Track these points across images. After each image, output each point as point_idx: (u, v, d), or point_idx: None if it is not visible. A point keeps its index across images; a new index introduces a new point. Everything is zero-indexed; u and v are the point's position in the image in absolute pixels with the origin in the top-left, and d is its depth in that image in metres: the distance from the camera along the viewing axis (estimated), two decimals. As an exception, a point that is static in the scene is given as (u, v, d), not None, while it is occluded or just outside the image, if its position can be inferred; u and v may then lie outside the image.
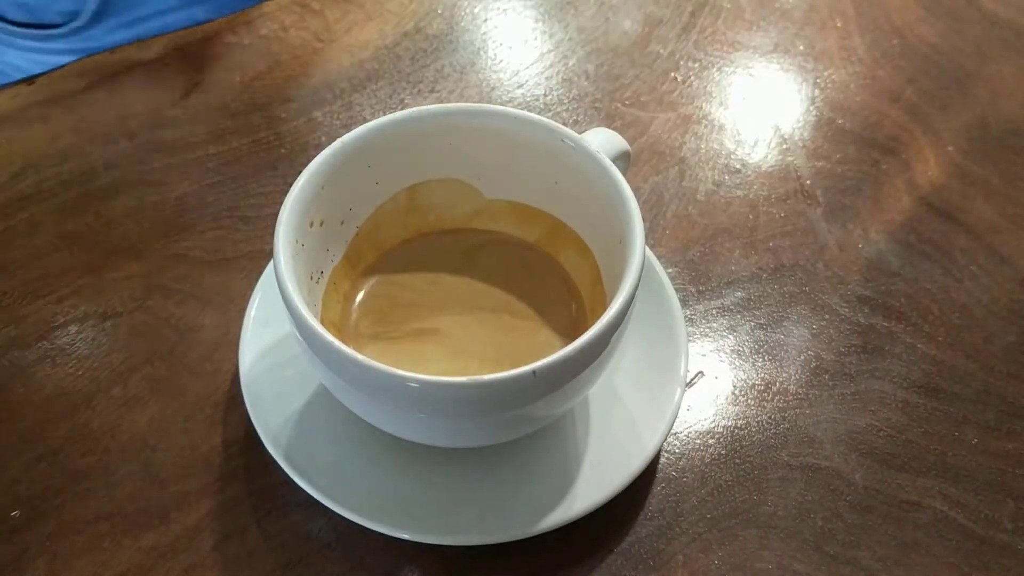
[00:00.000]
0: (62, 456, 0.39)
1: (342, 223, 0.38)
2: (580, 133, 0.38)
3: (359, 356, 0.31)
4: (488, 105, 0.39)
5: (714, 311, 0.44)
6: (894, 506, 0.39)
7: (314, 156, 0.48)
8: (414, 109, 0.38)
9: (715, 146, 0.51)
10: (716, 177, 0.49)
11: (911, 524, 0.38)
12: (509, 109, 0.38)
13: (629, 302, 0.33)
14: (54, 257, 0.44)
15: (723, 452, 0.40)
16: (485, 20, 0.56)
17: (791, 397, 0.42)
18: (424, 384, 0.31)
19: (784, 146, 0.51)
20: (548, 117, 0.39)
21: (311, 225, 0.36)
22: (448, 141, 0.39)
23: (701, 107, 0.52)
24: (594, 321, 0.37)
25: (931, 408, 0.42)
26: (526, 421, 0.35)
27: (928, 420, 0.41)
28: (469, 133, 0.39)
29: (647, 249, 0.38)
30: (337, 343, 0.31)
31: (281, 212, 0.34)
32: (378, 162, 0.38)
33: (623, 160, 0.39)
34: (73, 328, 0.42)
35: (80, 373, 0.41)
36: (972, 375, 0.43)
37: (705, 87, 0.54)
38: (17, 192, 0.47)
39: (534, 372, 0.31)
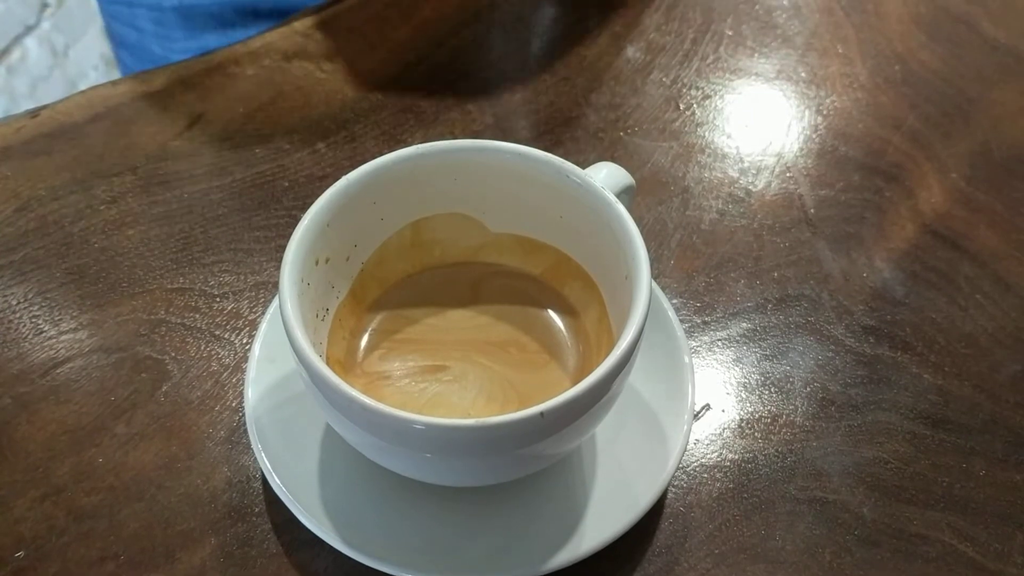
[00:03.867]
0: (67, 495, 0.38)
1: (347, 260, 0.38)
2: (584, 166, 0.39)
3: (366, 399, 0.31)
4: (492, 141, 0.39)
5: (720, 342, 0.44)
6: (903, 540, 0.39)
7: (318, 188, 0.49)
8: (418, 146, 0.38)
9: (718, 175, 0.51)
10: (720, 206, 0.49)
11: (920, 558, 0.38)
12: (513, 145, 0.38)
13: (636, 340, 0.33)
14: (58, 292, 0.44)
15: (731, 486, 0.40)
16: (488, 51, 0.56)
17: (798, 429, 0.42)
18: (430, 427, 0.31)
19: (788, 174, 0.51)
20: (550, 147, 0.39)
21: (316, 263, 0.36)
22: (452, 177, 0.39)
23: (704, 135, 0.53)
24: (599, 355, 0.38)
25: (938, 439, 0.42)
26: (533, 460, 0.34)
27: (936, 452, 0.41)
28: (473, 169, 0.39)
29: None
30: (344, 386, 0.31)
31: (286, 252, 0.34)
32: (383, 198, 0.38)
33: (627, 194, 0.39)
34: (77, 364, 0.42)
35: (84, 410, 0.41)
36: (979, 405, 0.43)
37: (707, 115, 0.54)
38: (21, 226, 0.46)
39: (542, 414, 0.31)
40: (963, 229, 0.49)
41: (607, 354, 0.33)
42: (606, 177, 0.38)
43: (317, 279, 0.36)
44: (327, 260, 0.37)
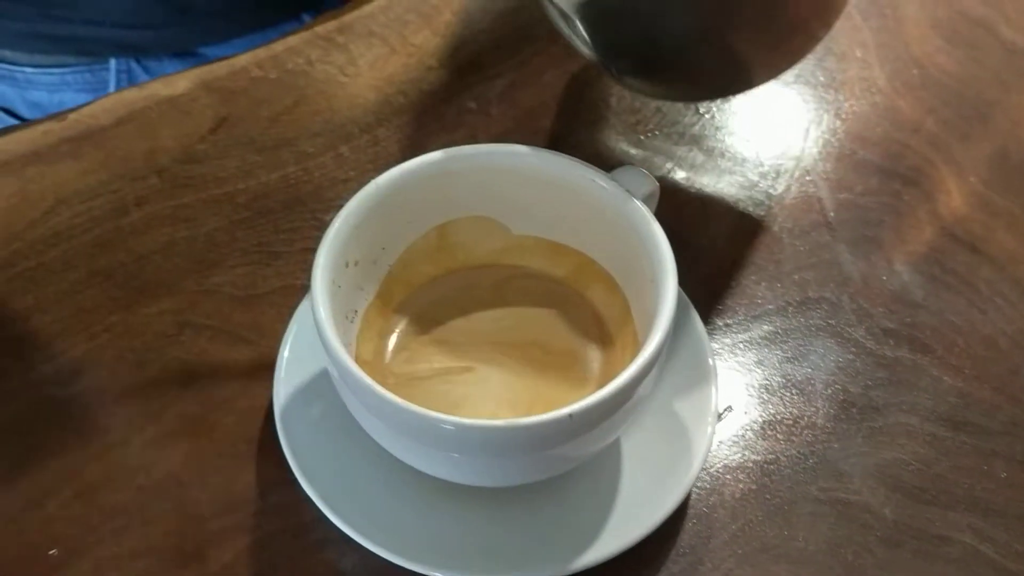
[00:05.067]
0: (98, 494, 0.39)
1: (375, 262, 0.39)
2: (606, 169, 0.39)
3: (399, 400, 0.31)
4: (517, 145, 0.39)
5: (741, 345, 0.44)
6: (924, 540, 0.39)
7: (341, 191, 0.49)
8: (445, 150, 0.39)
9: (738, 178, 0.51)
10: (740, 210, 0.50)
11: (942, 559, 0.39)
12: (539, 149, 0.39)
13: (663, 344, 0.33)
14: (86, 294, 0.45)
15: (753, 487, 0.40)
16: (509, 55, 0.56)
17: (819, 431, 0.42)
18: (459, 427, 0.32)
19: (807, 178, 0.51)
20: (571, 151, 0.40)
21: (347, 265, 0.36)
22: (478, 180, 0.40)
23: (723, 139, 0.53)
24: (624, 358, 0.38)
25: (959, 441, 0.42)
26: (559, 462, 0.35)
27: (956, 453, 0.42)
28: (498, 172, 0.40)
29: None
30: (377, 387, 0.31)
31: (318, 254, 0.35)
32: (410, 202, 0.39)
33: (652, 198, 0.40)
34: (106, 365, 0.43)
35: (114, 410, 0.41)
36: (999, 408, 0.43)
37: (727, 119, 0.54)
38: (49, 228, 0.47)
39: (570, 415, 0.31)
40: (982, 232, 0.50)
41: (632, 356, 0.34)
42: (630, 181, 0.39)
43: (347, 281, 0.36)
44: (356, 263, 0.37)
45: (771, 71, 0.46)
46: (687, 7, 0.40)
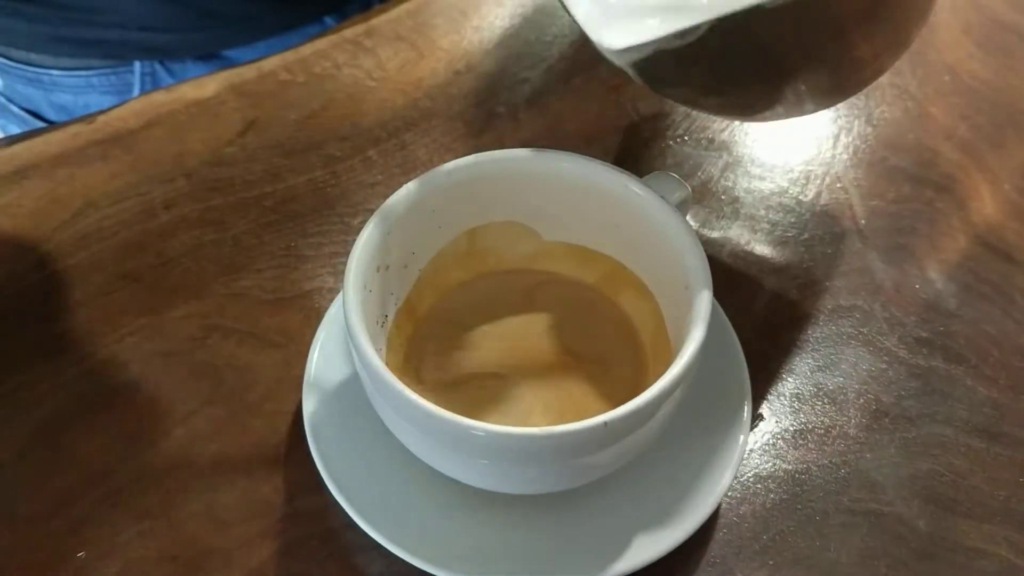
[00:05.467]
0: (125, 496, 0.39)
1: (405, 267, 0.39)
2: (635, 174, 0.39)
3: (430, 406, 0.31)
4: (550, 150, 0.39)
5: (772, 353, 0.44)
6: (959, 553, 0.38)
7: (369, 195, 0.49)
8: (477, 155, 0.38)
9: (769, 185, 0.51)
10: (771, 217, 0.49)
11: (977, 572, 0.38)
12: (572, 154, 0.39)
13: (699, 351, 0.33)
14: (115, 296, 0.45)
15: (784, 497, 0.40)
16: (537, 59, 0.56)
17: (851, 441, 0.41)
18: (491, 434, 0.31)
19: (838, 185, 0.51)
20: (600, 156, 0.39)
21: (378, 270, 0.36)
22: (509, 185, 0.39)
23: (753, 145, 0.53)
24: (657, 365, 0.38)
25: (994, 453, 0.41)
26: (591, 470, 0.35)
27: (992, 465, 0.41)
28: (529, 177, 0.39)
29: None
30: (409, 393, 0.31)
31: (350, 259, 0.35)
32: (441, 207, 0.39)
33: (684, 204, 0.39)
34: (134, 368, 0.43)
35: (142, 413, 0.41)
36: (1035, 419, 0.43)
37: (757, 125, 0.54)
38: (78, 231, 0.47)
39: (605, 424, 0.31)
40: (1016, 241, 0.49)
41: (665, 364, 0.34)
42: (663, 186, 0.38)
43: (378, 286, 0.36)
44: (387, 267, 0.37)
45: (838, 100, 0.47)
46: (745, 67, 0.39)
